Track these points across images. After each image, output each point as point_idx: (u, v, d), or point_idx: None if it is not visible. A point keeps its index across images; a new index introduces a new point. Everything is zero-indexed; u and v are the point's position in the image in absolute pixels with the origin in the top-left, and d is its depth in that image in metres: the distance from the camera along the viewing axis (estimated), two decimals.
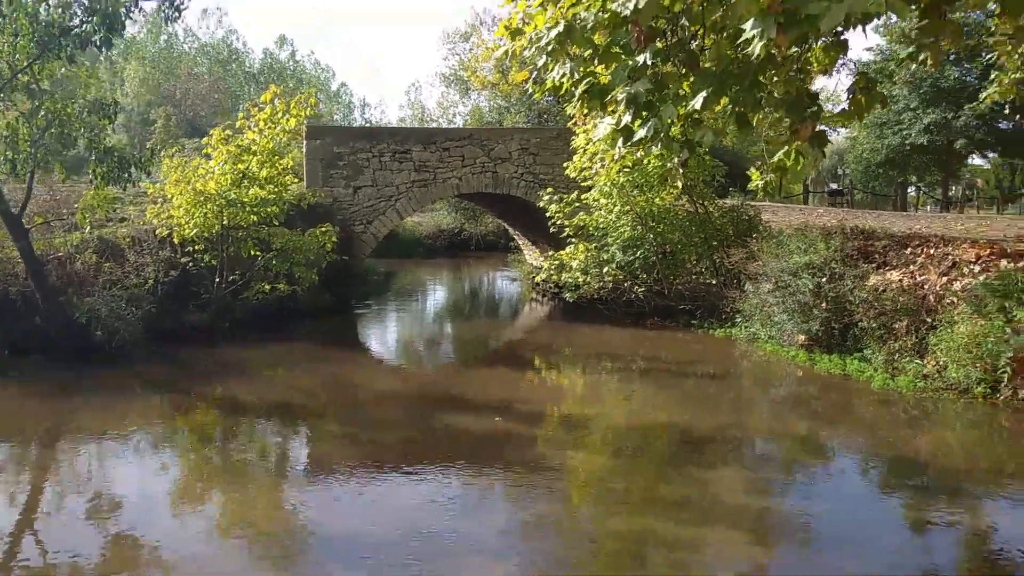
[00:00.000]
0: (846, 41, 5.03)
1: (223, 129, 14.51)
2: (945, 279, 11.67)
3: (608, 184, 15.60)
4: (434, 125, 43.66)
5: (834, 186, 45.37)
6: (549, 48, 5.03)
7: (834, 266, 12.51)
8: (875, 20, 4.88)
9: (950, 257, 12.13)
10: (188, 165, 14.42)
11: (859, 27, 4.63)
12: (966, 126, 28.50)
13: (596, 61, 5.09)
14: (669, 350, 13.86)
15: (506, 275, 26.85)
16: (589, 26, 4.91)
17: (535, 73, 5.99)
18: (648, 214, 15.75)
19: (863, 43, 69.11)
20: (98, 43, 9.95)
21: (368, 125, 61.03)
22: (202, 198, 13.97)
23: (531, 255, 23.60)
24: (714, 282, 15.92)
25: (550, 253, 17.59)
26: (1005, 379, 9.67)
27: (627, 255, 15.83)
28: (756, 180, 6.59)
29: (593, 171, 16.07)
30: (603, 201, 15.94)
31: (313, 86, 61.12)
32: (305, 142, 18.59)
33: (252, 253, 14.89)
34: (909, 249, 12.87)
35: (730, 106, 4.98)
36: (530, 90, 6.48)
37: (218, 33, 70.17)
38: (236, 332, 14.29)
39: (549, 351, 14.43)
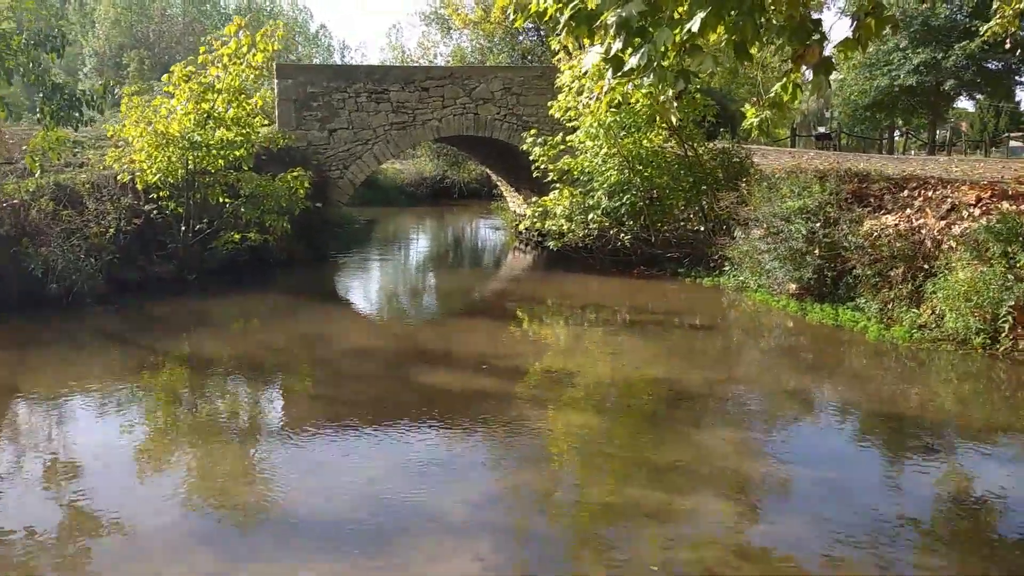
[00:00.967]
0: None
1: (184, 65, 13.60)
2: (943, 223, 11.17)
3: (595, 125, 14.89)
4: None
5: (822, 129, 44.60)
6: None
7: (829, 210, 11.98)
8: None
9: (949, 200, 11.59)
10: (148, 105, 13.56)
11: None
12: (955, 66, 27.89)
13: None
14: (656, 300, 13.40)
15: (489, 223, 26.17)
16: None
17: None
18: (635, 157, 15.09)
19: None
20: None
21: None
22: (164, 140, 13.16)
23: (514, 202, 22.93)
24: (702, 229, 15.38)
25: (533, 199, 16.95)
26: (1006, 329, 9.26)
27: (613, 200, 15.22)
28: (751, 117, 6.04)
29: (579, 112, 15.34)
30: (589, 143, 15.24)
31: (290, 26, 59.10)
32: (276, 81, 17.69)
33: (220, 200, 14.15)
34: (906, 191, 12.34)
35: (727, 35, 4.50)
36: (511, 17, 5.89)
37: None
38: (205, 283, 13.66)
39: (532, 302, 13.93)
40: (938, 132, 38.25)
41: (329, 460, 6.62)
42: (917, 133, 39.52)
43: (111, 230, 12.86)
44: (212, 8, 65.67)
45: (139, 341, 10.57)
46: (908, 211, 11.81)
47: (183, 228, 13.92)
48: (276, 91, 17.66)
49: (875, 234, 11.50)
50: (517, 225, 20.09)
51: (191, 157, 13.43)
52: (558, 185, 15.75)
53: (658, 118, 14.94)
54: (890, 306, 10.59)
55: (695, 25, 4.15)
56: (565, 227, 15.56)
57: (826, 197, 12.19)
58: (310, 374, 9.49)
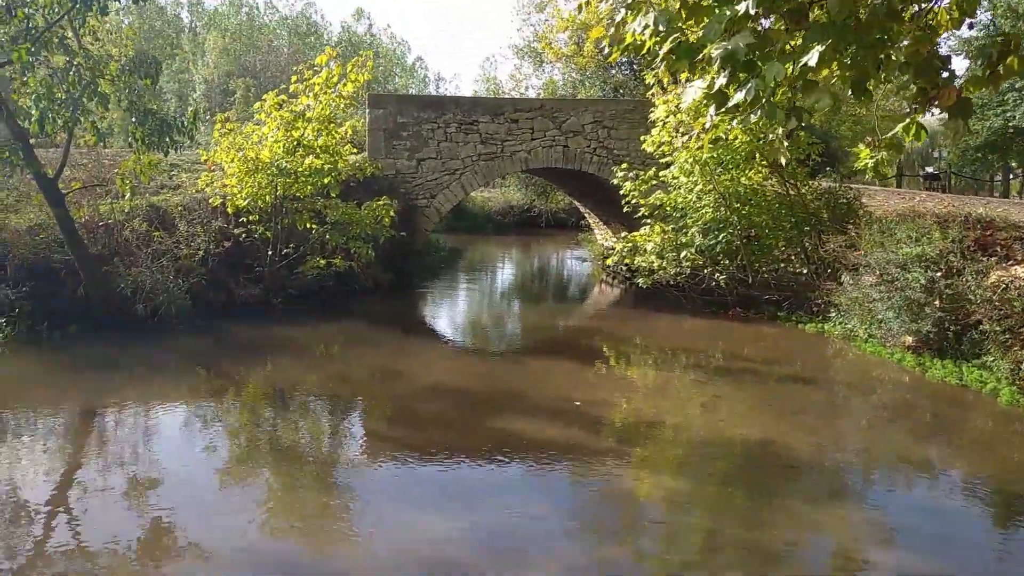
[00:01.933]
0: None
1: (276, 94, 13.69)
2: None
3: (689, 161, 14.22)
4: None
5: (930, 169, 42.33)
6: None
7: (951, 259, 10.92)
8: None
9: None
10: (240, 131, 13.69)
11: None
12: None
13: (684, 15, 4.14)
14: (753, 345, 12.48)
15: (576, 255, 25.62)
16: None
17: (612, 29, 5.03)
18: (733, 194, 14.32)
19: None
20: None
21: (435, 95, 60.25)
22: (254, 166, 13.24)
23: (602, 235, 22.32)
24: (805, 271, 14.41)
25: (623, 234, 16.31)
26: None
27: (708, 239, 14.45)
28: (865, 158, 5.33)
29: (673, 147, 14.71)
30: (683, 179, 14.57)
31: (388, 58, 60.65)
32: (368, 111, 17.77)
33: (307, 226, 14.15)
34: None
35: (844, 71, 4.10)
36: (606, 51, 5.42)
37: (297, 6, 70.31)
38: (289, 307, 13.62)
39: (618, 341, 13.21)
40: None
41: (397, 513, 6.13)
42: None
43: (200, 252, 12.97)
44: (316, 40, 68.30)
45: (221, 364, 10.52)
46: None
47: (270, 252, 13.93)
48: (367, 120, 17.73)
49: (1004, 286, 10.40)
50: (605, 258, 19.46)
51: (280, 183, 13.46)
52: (649, 221, 15.10)
53: (757, 155, 14.15)
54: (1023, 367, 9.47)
55: (812, 59, 3.77)
56: (656, 264, 14.86)
57: (948, 245, 11.15)
58: (385, 414, 9.08)
